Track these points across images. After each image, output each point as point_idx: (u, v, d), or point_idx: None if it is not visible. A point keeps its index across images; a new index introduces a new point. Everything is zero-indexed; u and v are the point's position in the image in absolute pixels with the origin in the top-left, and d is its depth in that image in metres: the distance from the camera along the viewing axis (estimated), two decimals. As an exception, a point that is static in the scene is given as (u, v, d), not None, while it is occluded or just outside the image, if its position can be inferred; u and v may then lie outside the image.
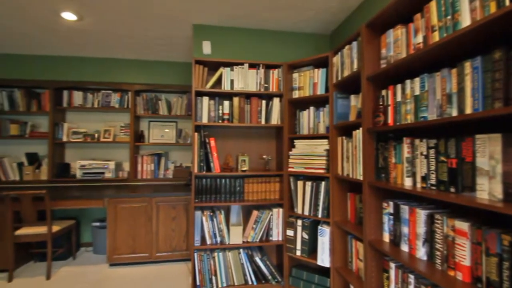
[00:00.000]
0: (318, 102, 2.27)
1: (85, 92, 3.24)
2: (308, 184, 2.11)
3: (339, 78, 1.91)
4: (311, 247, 2.13)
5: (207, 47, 2.39)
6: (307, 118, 2.22)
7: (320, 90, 2.12)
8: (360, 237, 1.62)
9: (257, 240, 2.29)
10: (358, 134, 1.66)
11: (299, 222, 2.15)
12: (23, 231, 2.42)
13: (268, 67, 2.35)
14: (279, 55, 2.56)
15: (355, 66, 1.72)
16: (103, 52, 3.08)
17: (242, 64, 2.29)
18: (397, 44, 1.38)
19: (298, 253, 2.15)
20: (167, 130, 3.41)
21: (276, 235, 2.32)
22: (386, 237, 1.49)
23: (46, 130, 3.25)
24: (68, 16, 2.27)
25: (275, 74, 2.32)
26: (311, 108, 2.19)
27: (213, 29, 2.45)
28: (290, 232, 2.20)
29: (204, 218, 2.24)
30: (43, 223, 2.42)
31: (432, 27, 1.15)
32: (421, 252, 1.24)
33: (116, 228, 2.65)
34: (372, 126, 1.55)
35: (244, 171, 2.31)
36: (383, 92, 1.50)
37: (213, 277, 2.24)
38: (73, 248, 2.90)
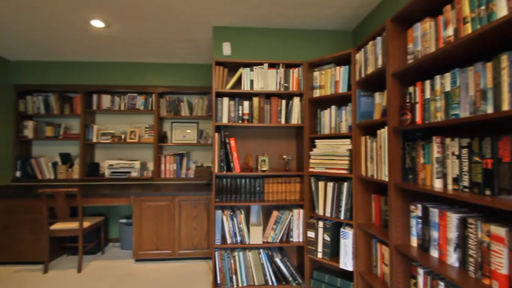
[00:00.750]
0: (340, 100, 2.22)
1: (112, 95, 3.40)
2: (330, 185, 2.06)
3: (363, 76, 1.85)
4: (333, 250, 2.08)
5: (227, 48, 2.42)
6: (328, 117, 2.17)
7: (342, 88, 2.07)
8: (385, 240, 1.55)
9: (277, 241, 2.27)
10: (383, 133, 1.60)
11: (321, 223, 2.11)
12: (57, 226, 2.58)
13: (288, 66, 2.33)
14: (299, 54, 2.53)
15: (380, 62, 1.65)
16: (129, 56, 3.22)
17: (261, 64, 2.28)
18: (425, 38, 1.30)
19: (320, 255, 2.11)
20: (188, 131, 3.50)
21: (297, 236, 2.29)
22: (414, 242, 1.42)
23: (77, 132, 3.45)
24: (97, 23, 2.40)
25: (295, 73, 2.29)
26: (333, 107, 2.14)
27: (233, 30, 2.47)
28: (311, 234, 2.16)
29: (224, 218, 2.27)
30: (75, 219, 2.57)
31: (464, 19, 1.08)
32: (453, 258, 1.17)
33: (141, 225, 2.75)
34: (399, 125, 1.48)
35: (264, 171, 2.31)
36: (410, 89, 1.43)
37: (234, 276, 2.25)
38: (102, 243, 3.05)
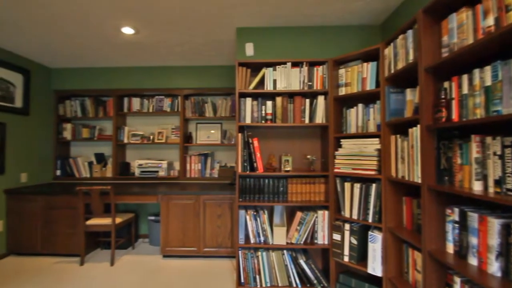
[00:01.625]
0: (367, 98, 2.13)
1: (142, 98, 3.57)
2: (357, 186, 1.99)
3: (392, 71, 1.76)
4: (361, 254, 2.00)
5: (249, 49, 2.43)
6: (355, 116, 2.10)
7: (370, 86, 1.99)
8: (418, 246, 1.46)
9: (301, 242, 2.24)
10: (415, 131, 1.51)
11: (347, 226, 2.04)
12: (92, 221, 2.76)
13: (312, 64, 2.28)
14: (323, 51, 2.47)
15: (411, 57, 1.56)
16: (157, 61, 3.35)
17: (284, 63, 2.27)
18: (461, 29, 1.21)
19: (346, 259, 2.04)
20: (213, 131, 3.57)
21: (322, 239, 2.23)
22: (450, 248, 1.32)
23: (110, 133, 3.67)
24: (127, 30, 2.53)
25: (319, 71, 2.24)
26: (360, 105, 2.06)
27: (256, 30, 2.48)
28: (336, 236, 2.10)
29: (247, 217, 2.28)
30: (108, 215, 2.73)
31: (507, 7, 0.98)
32: (494, 267, 1.07)
33: (168, 223, 2.85)
34: (433, 123, 1.39)
35: (288, 171, 2.28)
36: (446, 84, 1.34)
37: (257, 276, 2.25)
38: (133, 238, 3.21)
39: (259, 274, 2.26)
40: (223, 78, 3.48)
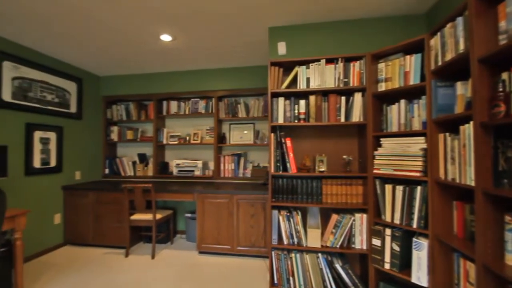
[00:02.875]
0: (410, 93, 1.97)
1: (179, 101, 3.75)
2: (399, 188, 1.85)
3: (439, 63, 1.61)
4: (403, 261, 1.86)
5: (282, 48, 2.41)
6: (396, 113, 1.96)
7: (414, 80, 1.84)
8: (471, 256, 1.31)
9: (337, 246, 2.15)
10: (468, 129, 1.36)
11: (388, 231, 1.91)
12: (136, 216, 2.96)
13: (348, 60, 2.19)
14: (360, 45, 2.35)
15: (461, 46, 1.41)
16: (192, 65, 3.50)
17: (318, 60, 2.20)
18: (527, 10, 1.06)
19: (387, 266, 1.91)
20: (245, 132, 3.61)
21: (359, 243, 2.12)
22: (510, 260, 1.16)
23: (151, 135, 3.91)
24: (165, 38, 2.67)
25: (356, 67, 2.14)
26: (402, 102, 1.92)
27: (288, 29, 2.45)
28: (376, 242, 1.98)
29: (280, 218, 2.25)
30: (150, 211, 2.91)
31: None
32: None
33: (204, 220, 2.95)
34: (489, 119, 1.24)
35: (322, 172, 2.21)
36: (504, 76, 1.18)
37: (291, 278, 2.22)
38: (171, 234, 3.38)
39: (293, 276, 2.22)
40: (255, 79, 3.51)
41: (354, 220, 2.13)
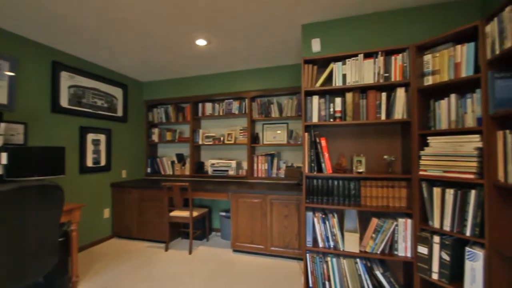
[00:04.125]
0: (462, 87, 1.78)
1: (213, 103, 3.86)
2: (450, 192, 1.68)
3: (497, 52, 1.42)
4: (454, 272, 1.68)
5: (316, 45, 2.34)
6: (446, 109, 1.78)
7: (466, 71, 1.65)
8: (543, 272, 1.13)
9: (378, 252, 2.02)
10: (537, 125, 1.17)
11: (436, 238, 1.74)
12: (174, 213, 3.11)
13: (389, 53, 2.04)
14: (401, 37, 2.18)
15: (528, 30, 1.23)
16: (226, 67, 3.57)
17: (355, 55, 2.09)
18: None
19: (435, 276, 1.74)
20: (279, 132, 3.58)
21: (403, 250, 1.97)
22: None
23: (188, 136, 4.08)
24: (201, 42, 2.76)
25: (398, 60, 1.99)
26: (452, 96, 1.73)
27: (322, 25, 2.37)
28: (422, 249, 1.82)
29: (315, 220, 2.19)
30: (187, 208, 3.04)
31: None
32: None
33: (238, 219, 2.99)
34: None
35: (360, 172, 2.10)
36: None
37: (327, 282, 2.14)
38: (207, 231, 3.49)
39: (329, 280, 2.14)
40: (288, 78, 3.46)
41: (396, 225, 1.98)
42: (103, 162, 3.49)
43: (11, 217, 1.38)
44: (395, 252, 1.99)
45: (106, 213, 3.55)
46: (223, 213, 3.48)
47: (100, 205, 3.46)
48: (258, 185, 3.25)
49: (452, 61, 1.72)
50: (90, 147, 3.31)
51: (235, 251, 3.11)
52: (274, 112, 3.48)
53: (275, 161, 3.48)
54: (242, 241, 2.97)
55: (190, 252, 3.04)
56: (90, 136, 3.32)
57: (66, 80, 3.03)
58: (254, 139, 3.64)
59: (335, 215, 2.16)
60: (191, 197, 3.00)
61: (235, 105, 3.71)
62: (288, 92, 3.45)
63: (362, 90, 2.13)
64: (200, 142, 3.86)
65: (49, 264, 1.63)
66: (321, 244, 2.18)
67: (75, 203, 2.50)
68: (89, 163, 3.29)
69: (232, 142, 3.69)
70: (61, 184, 2.96)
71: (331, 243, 2.15)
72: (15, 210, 1.39)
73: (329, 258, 2.16)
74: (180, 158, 4.05)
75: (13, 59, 2.50)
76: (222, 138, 3.79)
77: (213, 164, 3.70)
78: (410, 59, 1.93)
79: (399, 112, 1.99)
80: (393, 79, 2.00)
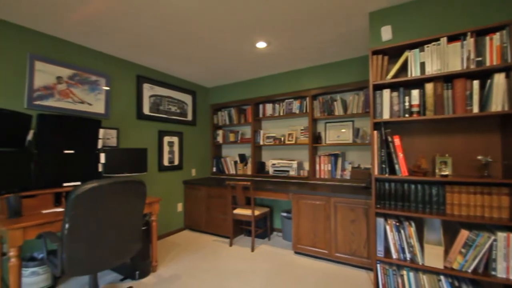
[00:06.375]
0: None
1: (273, 104, 3.89)
2: None
3: None
4: None
5: (387, 33, 2.11)
6: None
7: None
8: None
9: (469, 270, 1.70)
10: None
11: (558, 261, 1.36)
12: (237, 211, 3.24)
13: (481, 33, 1.70)
14: (496, 13, 1.78)
15: None
16: (285, 67, 3.55)
17: (437, 39, 1.81)
18: None
19: (557, 310, 1.36)
20: (343, 130, 3.37)
21: (504, 271, 1.61)
22: None
23: (249, 137, 4.22)
24: (261, 44, 2.81)
25: (494, 40, 1.64)
26: None
27: (393, 10, 2.13)
28: (536, 273, 1.45)
29: (388, 228, 1.97)
30: (249, 207, 3.12)
31: None
32: None
33: (299, 221, 2.93)
34: None
35: (445, 176, 1.80)
36: None
37: (403, 299, 1.90)
38: (268, 231, 3.53)
39: (405, 297, 1.90)
40: (353, 72, 3.23)
41: (495, 240, 1.63)
42: (176, 162, 3.89)
43: (109, 205, 1.64)
44: (493, 272, 1.64)
45: (179, 207, 3.94)
46: (284, 214, 3.46)
47: (174, 200, 3.86)
48: (320, 186, 3.12)
49: None
50: (166, 148, 3.73)
51: (296, 253, 3.05)
52: (338, 110, 3.29)
53: (339, 161, 3.29)
54: (304, 244, 2.89)
55: (252, 250, 3.12)
56: (166, 139, 3.74)
57: (147, 90, 3.48)
58: (316, 138, 3.51)
59: (412, 224, 1.90)
60: (252, 196, 3.08)
61: (295, 104, 3.66)
62: (353, 88, 3.22)
63: (446, 79, 1.83)
64: (261, 143, 3.93)
65: (135, 248, 1.88)
66: (394, 255, 1.95)
67: (154, 197, 2.85)
68: (165, 162, 3.71)
69: (293, 142, 3.64)
70: (143, 180, 3.42)
71: (407, 255, 1.90)
72: (111, 200, 1.65)
73: (404, 272, 1.92)
74: (242, 158, 4.21)
75: (108, 76, 3.00)
76: (282, 138, 3.78)
77: (274, 164, 3.72)
78: (511, 38, 1.57)
79: (498, 103, 1.63)
80: (488, 64, 1.65)
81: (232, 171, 4.28)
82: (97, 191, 1.54)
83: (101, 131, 2.69)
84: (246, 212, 3.17)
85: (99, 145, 2.66)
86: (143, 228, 2.52)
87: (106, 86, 2.98)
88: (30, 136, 2.20)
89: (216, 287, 2.31)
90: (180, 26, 2.40)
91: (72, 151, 2.43)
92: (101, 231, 1.62)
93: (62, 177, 2.35)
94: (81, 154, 2.49)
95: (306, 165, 3.69)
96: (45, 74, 2.45)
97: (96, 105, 2.87)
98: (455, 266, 1.75)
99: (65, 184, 2.37)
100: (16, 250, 1.69)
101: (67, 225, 1.48)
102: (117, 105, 3.11)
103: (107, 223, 1.65)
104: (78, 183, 2.46)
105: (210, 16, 2.24)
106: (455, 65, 1.74)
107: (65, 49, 2.64)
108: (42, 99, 2.43)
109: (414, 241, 1.88)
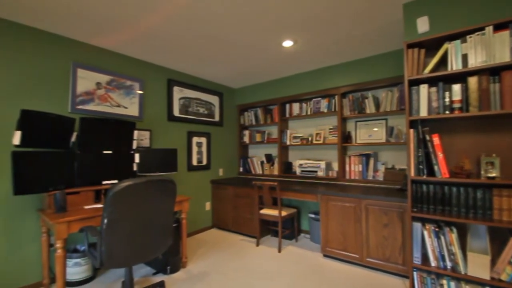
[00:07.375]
0: None
1: (300, 103, 3.83)
2: None
3: None
4: None
5: (423, 24, 1.97)
6: None
7: None
8: None
9: (523, 284, 1.52)
10: None
11: None
12: (264, 211, 3.24)
13: (537, 19, 1.52)
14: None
15: None
16: (312, 65, 3.47)
17: (480, 29, 1.65)
18: None
19: None
20: (375, 129, 3.21)
21: None
22: None
23: (276, 136, 4.19)
24: (287, 43, 2.78)
25: (554, 26, 1.45)
26: None
27: (429, 0, 1.98)
28: None
29: (426, 233, 1.84)
30: (276, 207, 3.10)
31: None
32: None
33: (328, 223, 2.84)
34: None
35: (493, 178, 1.63)
36: None
37: (443, 311, 1.76)
38: (296, 232, 3.48)
39: (446, 308, 1.75)
40: (385, 68, 3.06)
41: (556, 252, 1.44)
42: (204, 161, 3.99)
43: (143, 203, 1.73)
44: (555, 289, 1.45)
45: (207, 206, 4.04)
46: (312, 215, 3.39)
47: (202, 199, 3.97)
48: (350, 188, 3.00)
49: None
50: (194, 149, 3.84)
51: (325, 256, 2.96)
52: (369, 108, 3.15)
53: (371, 162, 3.14)
54: (333, 247, 2.81)
55: (279, 251, 3.09)
56: (195, 139, 3.85)
57: (177, 93, 3.62)
58: (345, 138, 3.39)
59: (454, 230, 1.75)
60: (279, 197, 3.05)
61: (323, 103, 3.57)
62: (386, 84, 3.06)
63: (493, 72, 1.66)
64: (288, 143, 3.89)
65: (167, 244, 1.96)
66: (433, 263, 1.81)
67: (184, 196, 2.95)
68: (194, 162, 3.83)
69: (321, 142, 3.56)
70: (174, 179, 3.55)
71: (448, 263, 1.76)
72: (145, 198, 1.74)
73: (444, 281, 1.78)
74: (269, 158, 4.20)
75: (141, 80, 3.17)
76: (310, 138, 3.71)
77: (301, 164, 3.66)
78: None
79: (559, 96, 1.44)
80: (546, 52, 1.47)
81: (259, 171, 4.29)
82: (132, 189, 1.63)
83: (136, 132, 2.84)
84: (273, 212, 3.15)
85: (134, 146, 2.82)
86: (174, 225, 2.62)
87: (140, 90, 3.15)
88: (73, 138, 2.39)
89: (244, 286, 2.33)
90: (208, 29, 2.46)
91: (110, 152, 2.60)
92: (136, 226, 1.72)
93: (101, 175, 2.53)
94: (118, 154, 2.66)
95: (335, 166, 3.58)
96: (86, 80, 2.66)
97: (131, 108, 3.04)
98: (504, 277, 1.58)
99: (104, 182, 2.54)
100: (62, 242, 1.85)
101: (105, 220, 1.58)
102: (149, 107, 3.28)
103: (141, 219, 1.74)
104: (115, 181, 2.63)
105: (236, 18, 2.26)
106: (503, 56, 1.58)
107: (104, 57, 2.84)
108: (83, 103, 2.63)
109: (456, 248, 1.73)
